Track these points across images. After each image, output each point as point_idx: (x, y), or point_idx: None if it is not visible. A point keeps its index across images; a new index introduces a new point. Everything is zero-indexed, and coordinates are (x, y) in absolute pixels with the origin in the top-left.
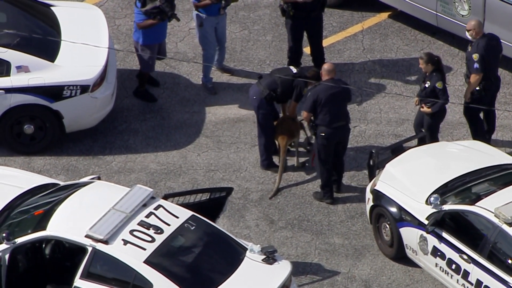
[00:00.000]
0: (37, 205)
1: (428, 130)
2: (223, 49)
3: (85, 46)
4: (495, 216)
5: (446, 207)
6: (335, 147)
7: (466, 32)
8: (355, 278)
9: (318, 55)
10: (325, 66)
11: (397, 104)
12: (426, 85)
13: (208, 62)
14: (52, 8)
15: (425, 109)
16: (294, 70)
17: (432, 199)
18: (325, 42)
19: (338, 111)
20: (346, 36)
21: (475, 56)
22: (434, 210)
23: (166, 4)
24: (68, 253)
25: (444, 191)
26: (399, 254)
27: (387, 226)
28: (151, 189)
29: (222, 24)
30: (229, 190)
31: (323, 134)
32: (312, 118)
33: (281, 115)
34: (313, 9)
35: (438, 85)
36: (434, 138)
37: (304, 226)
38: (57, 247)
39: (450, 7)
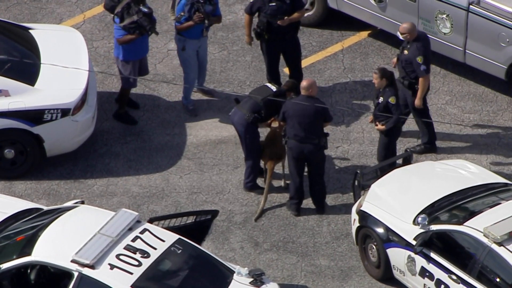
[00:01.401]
0: (21, 230)
1: (384, 149)
2: (204, 71)
3: (65, 69)
4: (484, 235)
5: (434, 227)
6: (308, 164)
7: (399, 35)
8: None
9: (297, 76)
10: (303, 83)
11: None
12: (380, 101)
13: (189, 84)
14: (30, 31)
15: (379, 126)
16: (273, 87)
17: (419, 219)
18: (305, 62)
19: (305, 128)
20: (326, 55)
21: (420, 59)
22: (422, 230)
23: (144, 18)
24: (53, 279)
25: (431, 211)
26: (386, 275)
27: (374, 247)
28: (137, 213)
29: (204, 47)
30: (214, 213)
31: (289, 147)
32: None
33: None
34: (287, 31)
35: (391, 100)
36: (389, 156)
37: (289, 248)
38: (43, 273)
39: (432, 25)
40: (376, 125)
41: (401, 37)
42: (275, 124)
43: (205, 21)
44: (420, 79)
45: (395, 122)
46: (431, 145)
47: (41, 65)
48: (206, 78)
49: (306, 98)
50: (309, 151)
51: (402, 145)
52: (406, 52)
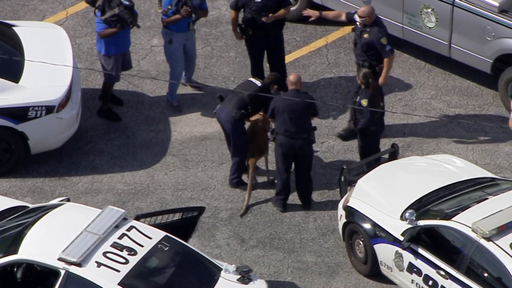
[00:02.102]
0: (7, 228)
1: (361, 148)
2: (193, 65)
3: (49, 66)
4: (472, 230)
5: (422, 222)
6: (295, 159)
7: (357, 18)
8: None
9: (280, 72)
10: (290, 77)
11: None
12: (356, 99)
13: (175, 80)
14: (14, 28)
15: (351, 124)
16: (258, 83)
17: (407, 214)
18: (289, 57)
19: (295, 123)
20: (310, 50)
21: (384, 40)
22: (410, 226)
23: (125, 11)
24: (40, 277)
25: (419, 206)
26: (374, 271)
27: (361, 243)
28: (123, 210)
29: (192, 41)
30: (201, 210)
31: (279, 142)
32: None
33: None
34: (272, 28)
35: (363, 102)
36: (365, 156)
37: (275, 244)
38: (29, 271)
39: (417, 19)
40: (349, 122)
41: (359, 20)
42: (256, 118)
43: (192, 15)
44: (386, 60)
45: (365, 124)
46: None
47: (25, 62)
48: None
49: (296, 92)
50: (299, 146)
51: (387, 140)
52: (366, 35)
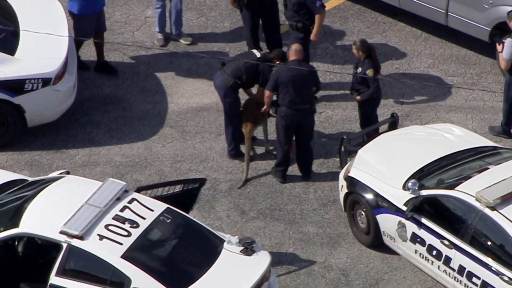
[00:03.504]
0: (7, 201)
1: (364, 118)
2: (180, 18)
3: (45, 39)
4: (476, 200)
5: (425, 192)
6: (297, 130)
7: None
8: (332, 267)
9: (275, 42)
10: (293, 47)
11: None
12: (358, 71)
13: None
14: (8, 0)
15: (355, 96)
16: (258, 54)
17: (409, 184)
18: (284, 27)
19: (300, 93)
20: None
21: None
22: (412, 196)
23: None
24: (41, 250)
25: (421, 176)
26: (376, 242)
27: (363, 213)
28: (124, 183)
29: None
30: (202, 181)
31: (282, 114)
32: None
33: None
34: None
35: (369, 72)
36: (368, 125)
37: (276, 216)
38: (30, 244)
39: None
40: (352, 94)
41: None
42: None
43: None
44: (317, 16)
45: (371, 94)
46: None
47: (21, 34)
48: (185, 45)
49: (298, 63)
50: (302, 116)
51: (386, 110)
52: None
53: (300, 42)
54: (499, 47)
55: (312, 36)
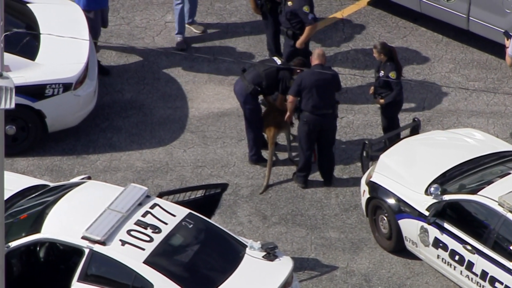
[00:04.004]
0: (29, 207)
1: (387, 122)
2: (195, 5)
3: (65, 44)
4: (499, 204)
5: (447, 197)
6: (319, 136)
7: None
8: (354, 272)
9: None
10: (316, 51)
11: None
12: (380, 75)
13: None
14: (28, 5)
15: (378, 100)
16: (279, 61)
17: (432, 189)
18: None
19: (323, 98)
20: (326, 25)
21: (306, 8)
22: (435, 201)
23: None
24: (63, 256)
25: (443, 181)
26: (398, 247)
27: (385, 218)
28: (146, 188)
29: None
30: (224, 186)
31: (305, 120)
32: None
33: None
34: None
35: (392, 75)
36: (390, 129)
37: (298, 221)
38: (52, 250)
39: None
40: (376, 98)
41: None
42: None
43: None
44: (308, 28)
45: (394, 97)
46: None
47: (41, 39)
48: (205, 49)
49: (321, 67)
50: (328, 123)
51: (407, 115)
52: (290, 3)
53: (290, 50)
54: (507, 42)
55: (297, 43)
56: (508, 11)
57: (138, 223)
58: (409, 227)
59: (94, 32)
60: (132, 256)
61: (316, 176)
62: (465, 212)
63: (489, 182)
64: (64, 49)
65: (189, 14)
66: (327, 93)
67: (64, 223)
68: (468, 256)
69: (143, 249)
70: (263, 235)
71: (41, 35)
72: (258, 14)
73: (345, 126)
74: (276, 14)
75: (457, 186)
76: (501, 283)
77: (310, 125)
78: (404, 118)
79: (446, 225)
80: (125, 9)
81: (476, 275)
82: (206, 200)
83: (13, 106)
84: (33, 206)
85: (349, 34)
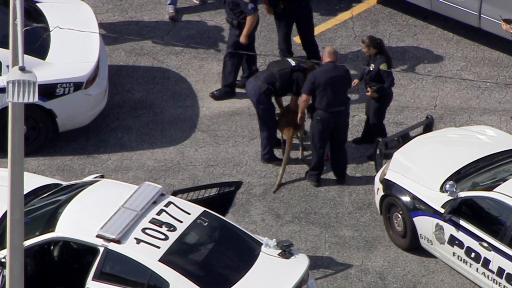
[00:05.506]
0: (42, 206)
1: (375, 115)
2: None
3: (76, 43)
4: None
5: (463, 194)
6: (332, 133)
7: None
8: (369, 271)
9: (311, 44)
10: (327, 49)
11: (395, 92)
12: (371, 68)
13: None
14: (38, 4)
15: (371, 93)
16: (293, 62)
17: (447, 186)
18: (316, 30)
19: (336, 95)
20: (336, 23)
21: None
22: (450, 198)
23: None
24: (77, 255)
25: (458, 178)
26: (413, 245)
27: (399, 216)
28: (160, 186)
29: None
30: (238, 184)
31: (319, 118)
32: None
33: (277, 110)
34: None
35: (382, 67)
36: (380, 123)
37: (311, 219)
38: (66, 249)
39: None
40: (368, 92)
41: None
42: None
43: None
44: (248, 18)
45: (387, 88)
46: (231, 89)
47: (52, 38)
48: (215, 47)
49: (333, 65)
50: (341, 120)
51: (419, 113)
52: None
53: (235, 40)
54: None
55: (240, 38)
56: None
57: (153, 221)
58: (424, 225)
59: None
60: (147, 255)
61: (329, 174)
62: (481, 209)
63: (505, 179)
64: (74, 48)
65: None
66: (341, 90)
67: (78, 222)
68: (484, 253)
69: (158, 247)
70: (276, 234)
71: (51, 35)
72: (270, 14)
73: (357, 125)
74: (290, 13)
75: (473, 183)
76: None
77: (324, 123)
78: (416, 116)
79: (462, 222)
80: (134, 8)
81: (493, 272)
82: (220, 198)
83: (36, 99)
84: (46, 205)
85: (359, 33)
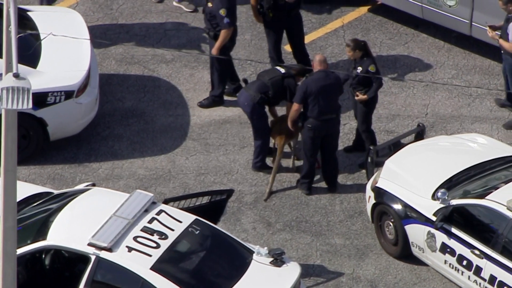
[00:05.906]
0: (33, 214)
1: (364, 122)
2: None
3: (67, 52)
4: (507, 209)
5: (455, 201)
6: (324, 140)
7: None
8: (360, 279)
9: (302, 53)
10: (317, 57)
11: (386, 100)
12: (358, 71)
13: None
14: (28, 13)
15: (361, 96)
16: (282, 70)
17: (439, 194)
18: (306, 39)
19: (328, 103)
20: (326, 32)
21: (223, 11)
22: (442, 206)
23: None
24: (69, 263)
25: (450, 186)
26: (404, 253)
27: (391, 224)
28: (152, 194)
29: None
30: (229, 193)
31: (310, 126)
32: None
33: (270, 118)
34: (292, 8)
35: (371, 68)
36: (369, 128)
37: (302, 228)
38: (57, 257)
39: None
40: (357, 96)
41: None
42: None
43: None
44: (222, 31)
45: (376, 90)
46: (220, 98)
47: (43, 47)
48: (205, 57)
49: (324, 73)
50: (332, 127)
51: (411, 121)
52: (210, 4)
53: None
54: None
55: (212, 50)
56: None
57: (145, 229)
58: (416, 233)
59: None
60: (139, 263)
61: (320, 182)
62: (473, 217)
63: (497, 187)
64: (65, 56)
65: None
66: (332, 98)
67: (69, 230)
68: (476, 261)
69: (150, 256)
70: (267, 242)
71: (42, 44)
72: (259, 23)
73: (348, 133)
74: (280, 21)
75: (465, 190)
76: (510, 287)
77: (315, 131)
78: (408, 124)
79: (454, 230)
80: (124, 17)
81: (485, 280)
82: (212, 206)
83: (30, 106)
84: (38, 213)
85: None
